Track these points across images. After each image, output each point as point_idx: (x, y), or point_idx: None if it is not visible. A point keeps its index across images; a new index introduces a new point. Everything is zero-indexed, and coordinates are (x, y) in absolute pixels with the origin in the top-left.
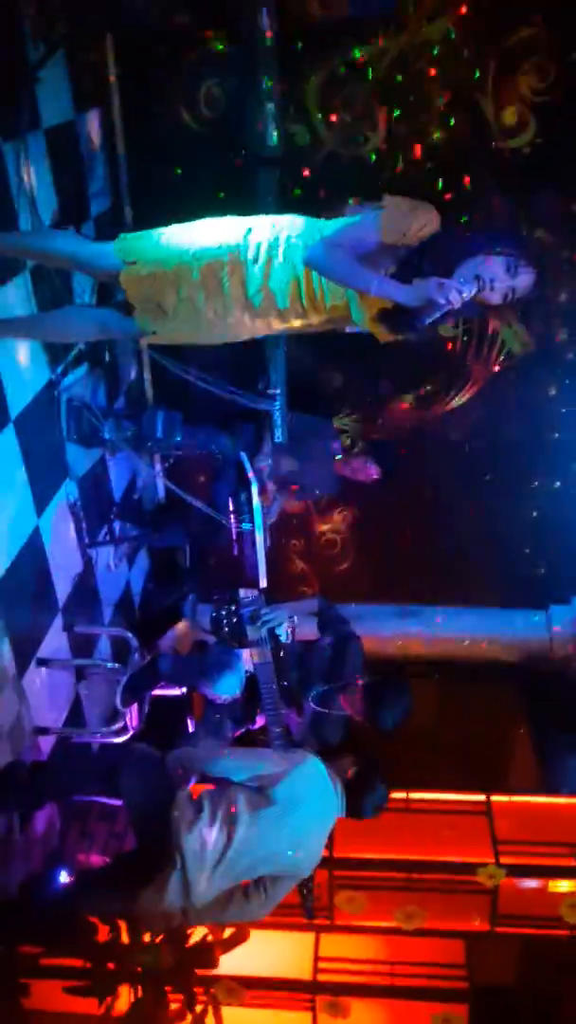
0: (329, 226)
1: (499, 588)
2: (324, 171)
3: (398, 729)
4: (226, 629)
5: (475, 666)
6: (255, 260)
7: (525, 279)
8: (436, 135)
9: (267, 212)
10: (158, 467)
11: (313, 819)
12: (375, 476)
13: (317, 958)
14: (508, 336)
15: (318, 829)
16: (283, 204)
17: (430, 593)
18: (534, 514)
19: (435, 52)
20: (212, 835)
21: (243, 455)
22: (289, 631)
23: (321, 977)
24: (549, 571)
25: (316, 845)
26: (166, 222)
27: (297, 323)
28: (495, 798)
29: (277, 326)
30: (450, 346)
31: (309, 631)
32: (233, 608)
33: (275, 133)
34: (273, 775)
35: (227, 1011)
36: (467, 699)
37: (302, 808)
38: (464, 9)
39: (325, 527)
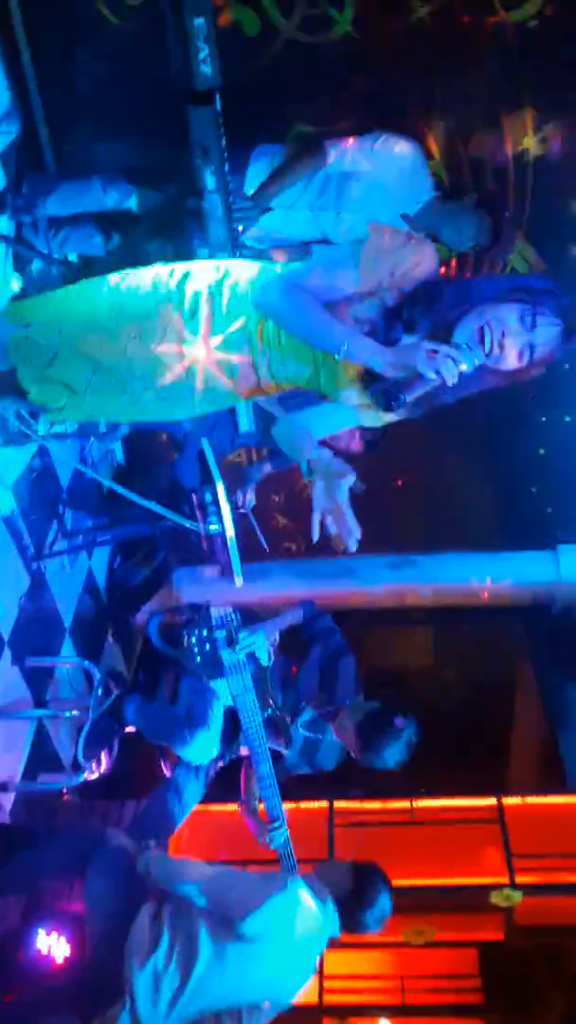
0: (288, 267)
1: (503, 530)
2: (275, 84)
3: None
4: (198, 658)
5: (478, 614)
6: (192, 314)
7: (547, 331)
8: (421, 10)
9: (205, 145)
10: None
11: (290, 955)
12: (358, 448)
13: (322, 977)
14: (514, 258)
15: (298, 963)
16: (228, 134)
17: (428, 540)
18: (540, 451)
19: None
20: (167, 973)
21: (205, 441)
22: (271, 651)
23: (328, 999)
24: (557, 510)
25: (297, 979)
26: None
27: (246, 396)
28: (507, 800)
29: (225, 401)
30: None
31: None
32: (205, 633)
33: (208, 59)
34: (245, 904)
35: None
36: (468, 650)
37: (275, 944)
38: None
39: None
